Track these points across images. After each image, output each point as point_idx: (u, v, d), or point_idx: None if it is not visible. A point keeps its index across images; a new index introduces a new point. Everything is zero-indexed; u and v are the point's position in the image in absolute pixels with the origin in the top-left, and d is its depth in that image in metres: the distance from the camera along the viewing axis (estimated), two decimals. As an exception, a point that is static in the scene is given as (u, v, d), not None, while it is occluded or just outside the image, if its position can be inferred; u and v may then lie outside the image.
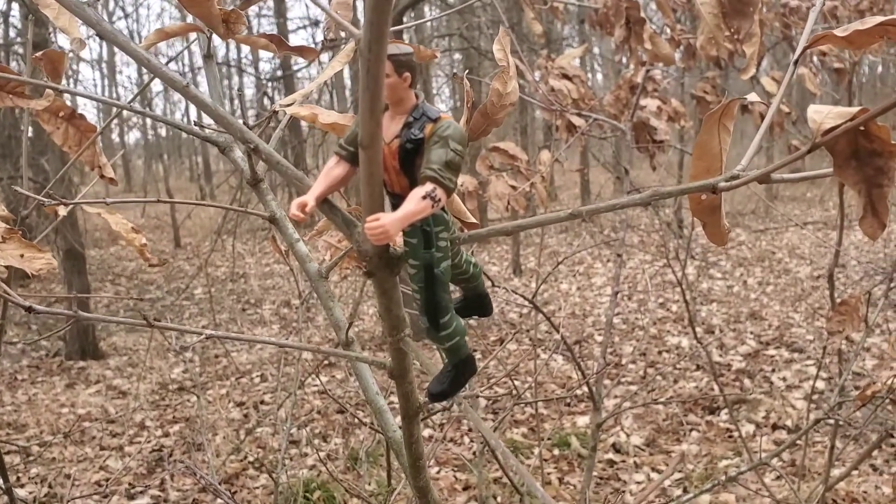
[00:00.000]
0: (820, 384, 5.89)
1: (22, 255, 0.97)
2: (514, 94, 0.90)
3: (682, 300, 8.88)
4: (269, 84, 11.73)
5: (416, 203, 0.80)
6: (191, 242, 14.81)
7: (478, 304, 1.09)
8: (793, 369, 6.52)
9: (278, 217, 1.18)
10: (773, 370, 6.55)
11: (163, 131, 25.80)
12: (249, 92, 22.66)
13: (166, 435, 6.04)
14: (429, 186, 0.81)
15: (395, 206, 0.87)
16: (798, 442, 5.17)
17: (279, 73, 13.03)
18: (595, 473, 4.94)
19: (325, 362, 6.88)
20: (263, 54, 18.93)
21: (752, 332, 7.67)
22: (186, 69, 21.96)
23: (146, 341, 8.51)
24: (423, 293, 0.90)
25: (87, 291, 8.03)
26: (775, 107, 0.79)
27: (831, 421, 2.78)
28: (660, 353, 7.24)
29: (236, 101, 24.19)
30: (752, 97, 0.80)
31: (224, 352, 7.77)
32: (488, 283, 1.65)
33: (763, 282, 9.77)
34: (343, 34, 1.03)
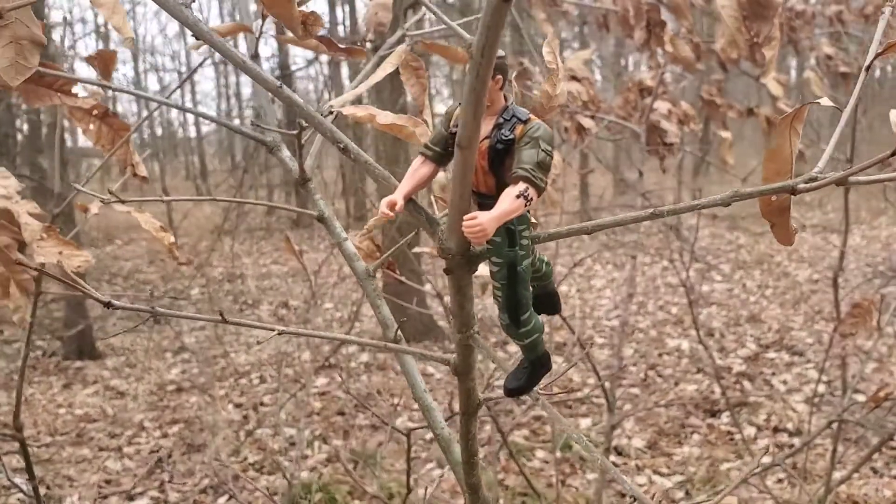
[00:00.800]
0: (820, 387, 5.89)
1: (61, 253, 0.96)
2: (562, 95, 0.90)
3: (680, 302, 8.90)
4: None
5: (511, 202, 0.82)
6: (187, 242, 14.76)
7: (548, 301, 1.10)
8: (793, 372, 6.53)
9: (326, 216, 1.17)
10: (774, 373, 6.56)
11: (158, 130, 25.76)
12: (246, 91, 22.63)
13: (165, 436, 6.01)
14: (522, 186, 0.82)
15: (478, 206, 0.88)
16: (800, 445, 5.18)
17: (276, 72, 13.01)
18: (596, 475, 4.94)
19: (324, 364, 6.86)
20: (261, 53, 18.87)
21: (751, 335, 7.68)
22: (183, 68, 21.94)
23: (143, 341, 8.48)
24: (504, 290, 0.91)
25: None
26: (850, 107, 0.78)
27: (829, 423, 2.78)
28: (660, 355, 7.24)
29: (233, 100, 24.15)
30: (825, 101, 0.80)
31: (223, 352, 7.75)
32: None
33: (762, 285, 9.78)
34: (372, 36, 1.02)
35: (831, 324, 7.63)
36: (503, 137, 0.84)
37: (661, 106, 2.79)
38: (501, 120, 0.85)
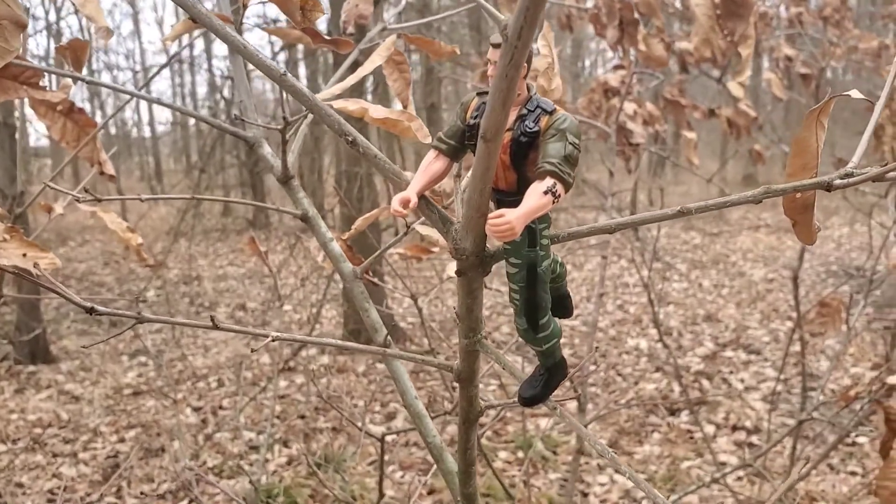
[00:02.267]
0: (775, 385, 5.97)
1: (25, 255, 0.91)
2: (558, 90, 0.87)
3: (639, 301, 8.97)
4: (224, 81, 11.59)
5: (538, 198, 0.76)
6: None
7: (560, 304, 1.04)
8: (750, 371, 6.61)
9: (311, 215, 1.13)
10: (731, 372, 6.63)
11: (112, 129, 25.37)
12: (202, 91, 22.40)
13: (122, 440, 5.91)
14: (549, 181, 0.77)
15: (496, 203, 0.84)
16: (758, 443, 5.25)
17: (229, 69, 12.85)
18: (559, 475, 4.95)
19: (283, 366, 6.79)
20: (217, 51, 18.69)
21: (709, 334, 7.76)
22: (137, 65, 21.65)
23: (99, 345, 8.33)
24: (523, 293, 0.86)
25: (36, 293, 7.84)
26: (882, 103, 0.77)
27: (799, 422, 2.81)
28: (620, 354, 7.29)
29: (188, 99, 23.87)
30: (855, 93, 0.78)
31: (180, 355, 7.64)
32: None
33: (718, 284, 9.90)
34: (352, 29, 1.00)
35: (787, 322, 7.76)
36: (527, 129, 0.80)
37: (627, 107, 2.79)
38: (525, 111, 0.80)
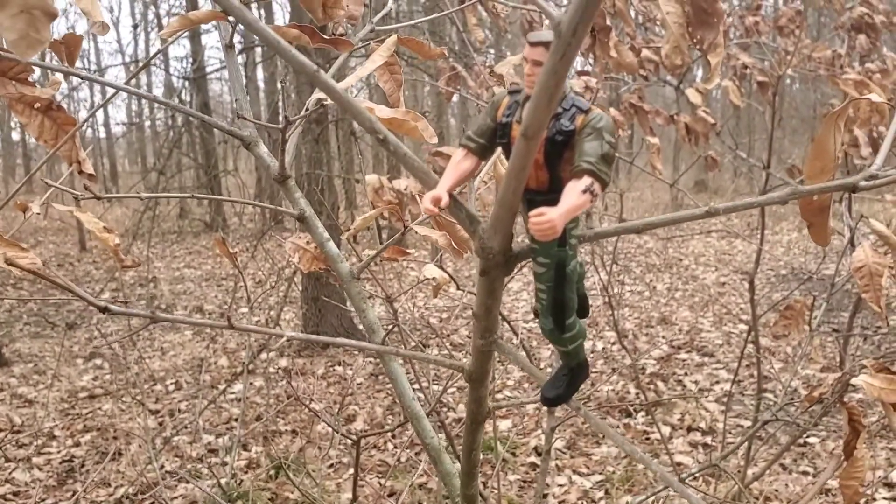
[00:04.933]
0: (728, 386, 6.08)
1: (5, 254, 0.92)
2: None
3: (594, 305, 9.06)
4: (182, 83, 11.49)
5: (577, 197, 0.75)
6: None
7: (579, 304, 1.00)
8: (704, 373, 6.72)
9: (307, 215, 1.14)
10: (686, 373, 6.74)
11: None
12: (157, 91, 22.15)
13: (77, 445, 5.83)
14: (587, 180, 0.76)
15: (527, 203, 0.82)
16: (712, 443, 5.35)
17: (190, 73, 12.76)
18: (518, 477, 5.00)
19: (245, 368, 6.76)
20: (174, 52, 18.50)
21: (663, 337, 7.87)
22: (93, 66, 21.35)
23: (52, 347, 8.21)
24: (550, 293, 0.85)
25: (-11, 296, 7.70)
26: None
27: (763, 422, 2.89)
28: (576, 356, 7.36)
29: (144, 101, 23.60)
30: (875, 97, 0.82)
31: (137, 357, 7.56)
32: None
33: (672, 287, 10.04)
34: (341, 29, 1.02)
35: (740, 325, 7.91)
36: (563, 128, 0.79)
37: (591, 113, 2.82)
38: (560, 109, 0.79)
